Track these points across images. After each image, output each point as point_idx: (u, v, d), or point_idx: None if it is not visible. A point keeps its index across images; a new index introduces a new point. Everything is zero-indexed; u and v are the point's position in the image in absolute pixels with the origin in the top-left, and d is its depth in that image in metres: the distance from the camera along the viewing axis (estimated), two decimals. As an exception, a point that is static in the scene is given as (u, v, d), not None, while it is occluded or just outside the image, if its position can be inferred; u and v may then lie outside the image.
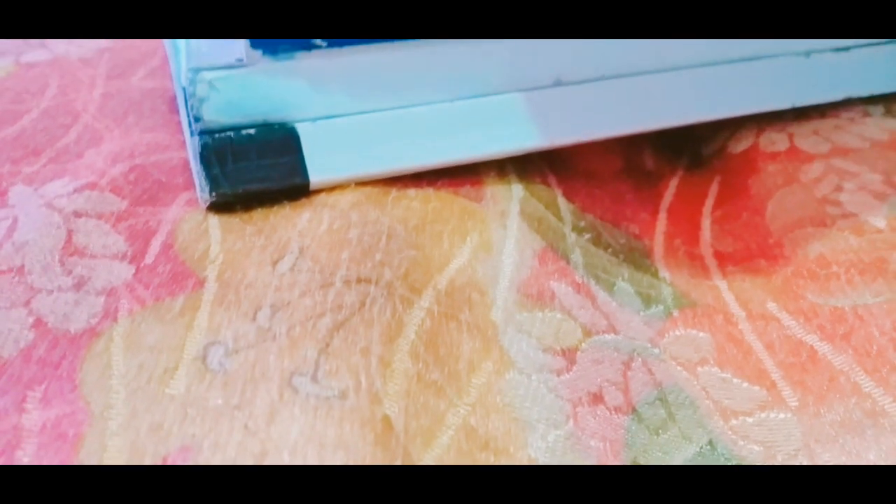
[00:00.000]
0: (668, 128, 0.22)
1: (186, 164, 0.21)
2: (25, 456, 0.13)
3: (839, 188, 0.21)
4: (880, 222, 0.20)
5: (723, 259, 0.20)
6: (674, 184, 0.23)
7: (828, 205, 0.21)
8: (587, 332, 0.17)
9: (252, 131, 0.19)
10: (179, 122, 0.23)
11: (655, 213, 0.22)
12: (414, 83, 0.20)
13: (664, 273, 0.20)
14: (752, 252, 0.20)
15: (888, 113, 0.24)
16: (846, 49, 0.24)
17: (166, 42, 0.28)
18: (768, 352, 0.18)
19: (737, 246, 0.21)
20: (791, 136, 0.23)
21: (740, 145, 0.24)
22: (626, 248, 0.20)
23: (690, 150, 0.24)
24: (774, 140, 0.23)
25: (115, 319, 0.16)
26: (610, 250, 0.20)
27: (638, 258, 0.20)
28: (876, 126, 0.24)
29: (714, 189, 0.23)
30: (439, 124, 0.20)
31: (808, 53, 0.23)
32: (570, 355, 0.16)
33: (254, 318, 0.16)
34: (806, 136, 0.23)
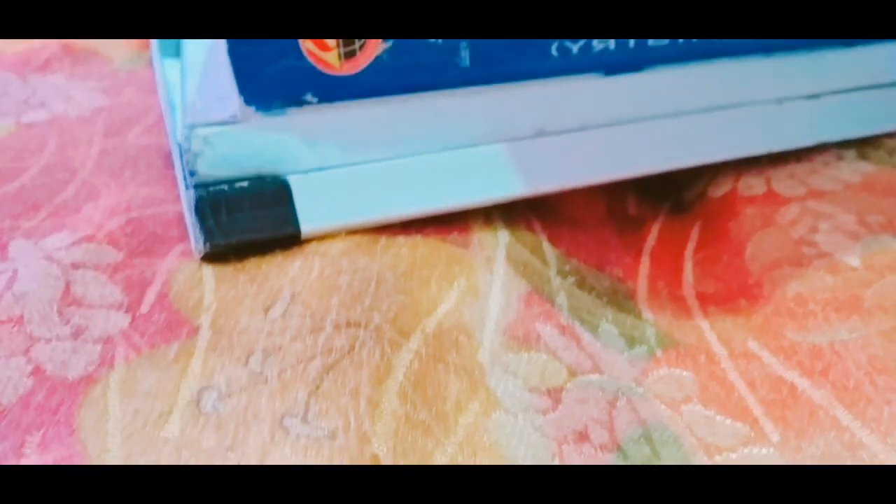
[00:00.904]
0: (648, 174, 0.23)
1: (181, 216, 0.22)
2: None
3: (815, 229, 0.22)
4: (854, 261, 0.21)
5: (705, 300, 0.21)
6: (656, 228, 0.24)
7: (804, 245, 0.21)
8: (572, 373, 0.18)
9: (245, 184, 0.20)
10: (174, 177, 0.24)
11: (639, 256, 0.23)
12: (401, 136, 0.21)
13: (647, 314, 0.20)
14: (732, 292, 0.21)
15: (860, 156, 0.25)
16: (817, 96, 0.25)
17: (162, 100, 0.29)
18: (750, 389, 0.18)
19: (718, 287, 0.21)
20: (768, 181, 0.24)
21: (720, 190, 0.24)
22: (609, 290, 0.21)
23: (672, 195, 0.25)
24: (752, 184, 0.24)
25: (111, 366, 0.16)
26: (594, 293, 0.20)
27: (622, 300, 0.21)
28: (849, 169, 0.24)
29: (695, 233, 0.24)
30: (427, 174, 0.21)
31: (780, 101, 0.24)
32: (555, 395, 0.17)
33: (246, 363, 0.16)
34: (782, 180, 0.24)
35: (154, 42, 0.32)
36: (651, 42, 0.22)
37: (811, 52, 0.24)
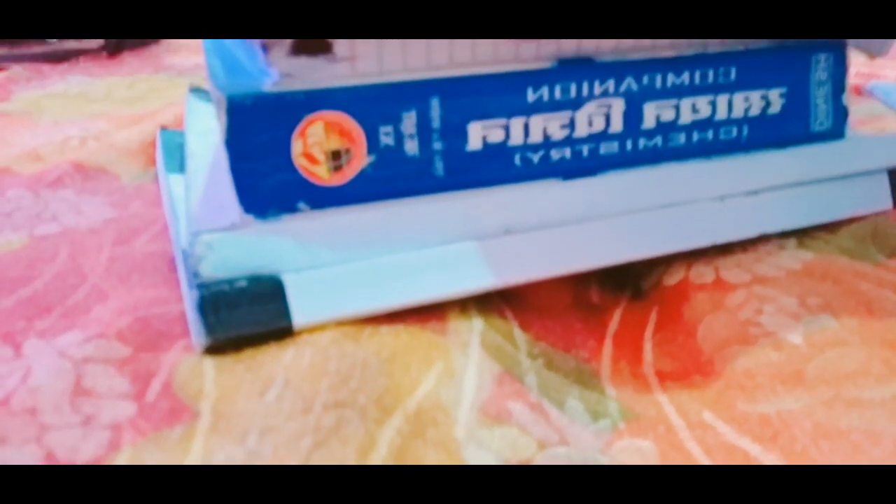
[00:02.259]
0: (606, 266, 0.25)
1: (183, 315, 0.24)
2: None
3: (760, 311, 0.24)
4: (797, 339, 0.23)
5: (663, 376, 0.23)
6: (618, 314, 0.26)
7: (751, 326, 0.23)
8: (541, 445, 0.19)
9: (244, 283, 0.22)
10: (177, 280, 0.26)
11: (602, 339, 0.25)
12: (384, 236, 0.23)
13: (611, 391, 0.22)
14: (688, 369, 0.23)
15: (800, 245, 0.28)
16: (755, 193, 0.28)
17: (167, 210, 0.31)
18: (707, 456, 0.20)
19: (675, 365, 0.23)
20: (717, 269, 0.27)
21: (673, 279, 0.27)
22: (575, 370, 0.23)
23: (631, 284, 0.28)
24: (703, 273, 0.27)
25: (118, 449, 0.18)
26: (561, 373, 0.22)
27: (587, 379, 0.23)
28: (790, 257, 0.27)
29: (653, 317, 0.26)
30: (407, 270, 0.23)
31: (722, 198, 0.27)
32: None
33: (243, 442, 0.18)
34: (730, 269, 0.27)
35: (159, 159, 0.36)
36: (603, 150, 0.25)
37: (748, 153, 0.28)
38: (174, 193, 0.30)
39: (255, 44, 0.22)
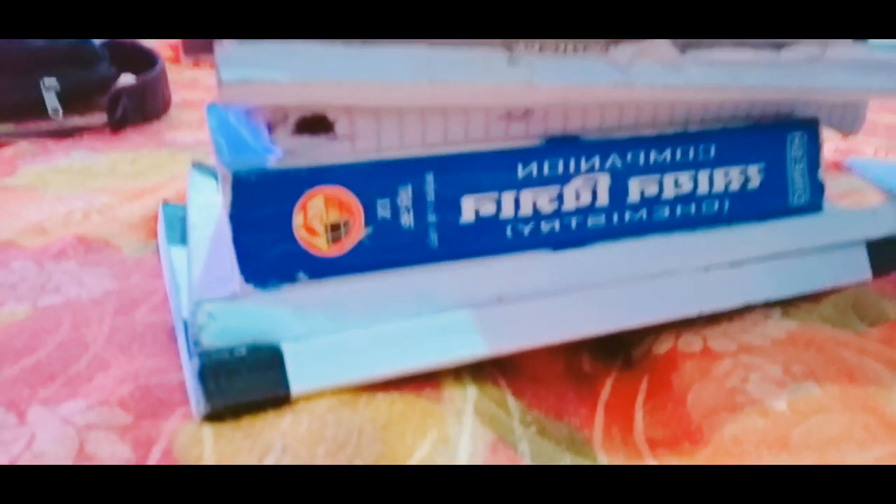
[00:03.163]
0: (596, 335, 0.26)
1: (183, 383, 0.24)
2: None
3: (746, 379, 0.25)
4: (782, 406, 0.23)
5: (654, 444, 0.23)
6: (609, 383, 0.27)
7: (737, 394, 0.24)
8: (535, 511, 0.20)
9: (243, 351, 0.23)
10: (177, 349, 0.27)
11: (594, 407, 0.25)
12: (380, 305, 0.24)
13: (602, 458, 0.23)
14: (678, 437, 0.23)
15: (784, 315, 0.29)
16: (739, 264, 0.29)
17: (167, 282, 0.32)
18: (698, 523, 0.20)
19: (665, 432, 0.24)
20: (704, 339, 0.27)
21: (663, 348, 0.27)
22: (568, 437, 0.23)
23: (622, 353, 0.28)
24: (691, 342, 0.27)
25: (119, 515, 0.18)
26: (554, 440, 0.23)
27: (579, 446, 0.23)
28: (775, 326, 0.28)
29: (644, 386, 0.26)
30: (402, 339, 0.24)
31: (706, 269, 0.28)
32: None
33: (242, 508, 0.18)
34: (717, 338, 0.27)
35: (161, 231, 0.37)
36: (591, 222, 0.27)
37: (730, 226, 0.29)
38: (175, 265, 0.31)
39: (260, 122, 0.23)
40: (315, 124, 0.23)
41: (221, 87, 0.19)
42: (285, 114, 0.22)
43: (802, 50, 0.25)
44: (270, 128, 0.22)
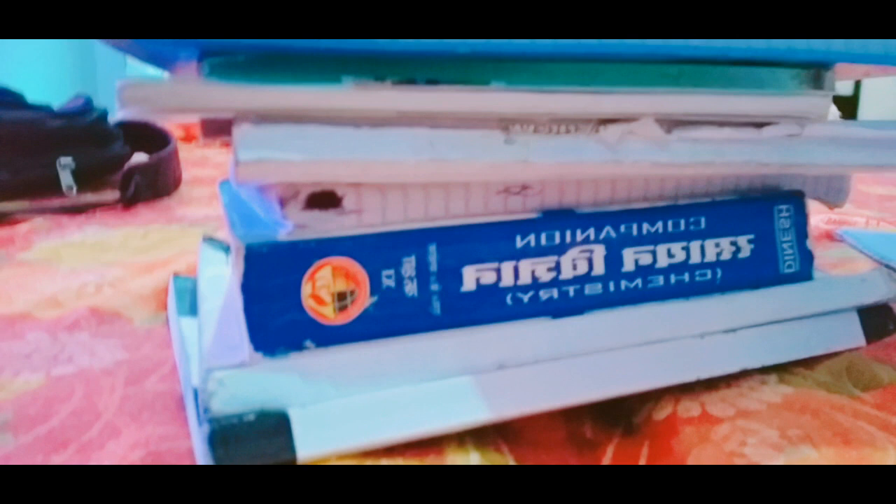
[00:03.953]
0: (595, 401, 0.27)
1: (191, 450, 0.25)
2: None
3: (744, 443, 0.25)
4: (780, 469, 0.24)
5: (654, 509, 0.24)
6: (611, 449, 0.27)
7: (735, 457, 0.25)
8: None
9: (252, 417, 0.23)
10: (186, 417, 0.27)
11: (595, 473, 0.26)
12: (385, 372, 0.25)
13: (603, 522, 0.23)
14: (678, 501, 0.24)
15: (780, 380, 0.29)
16: (733, 330, 0.29)
17: (177, 352, 0.33)
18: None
19: (665, 497, 0.24)
20: (703, 404, 0.28)
21: (662, 413, 0.28)
22: (569, 502, 0.24)
23: (623, 420, 0.29)
24: (689, 407, 0.28)
25: (129, 579, 0.19)
26: (555, 505, 0.23)
27: (580, 511, 0.23)
28: (771, 391, 0.28)
29: (645, 451, 0.27)
30: (406, 405, 0.25)
31: (702, 336, 0.29)
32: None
33: (249, 571, 0.19)
34: (715, 403, 0.28)
35: (171, 303, 0.38)
36: (588, 291, 0.28)
37: (723, 294, 0.30)
38: (185, 334, 0.32)
39: (273, 198, 0.24)
40: (324, 199, 0.24)
41: (239, 165, 0.21)
42: (297, 190, 0.24)
43: (782, 128, 0.27)
44: (282, 203, 0.24)
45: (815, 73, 0.28)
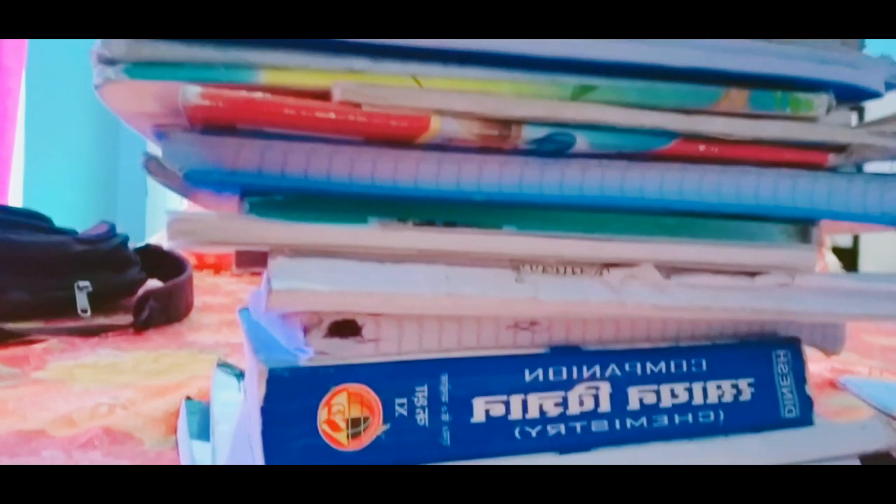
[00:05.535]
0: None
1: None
2: None
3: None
4: None
5: None
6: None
7: None
8: None
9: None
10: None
11: None
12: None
13: None
14: None
15: None
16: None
17: None
18: None
19: None
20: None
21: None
22: None
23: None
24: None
25: None
26: None
27: None
28: None
29: None
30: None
31: (706, 477, 0.29)
32: None
33: None
34: None
35: (182, 426, 0.38)
36: (594, 427, 0.28)
37: (726, 436, 0.30)
38: (196, 457, 0.32)
39: (296, 325, 0.26)
40: (345, 328, 0.26)
41: (272, 294, 0.23)
42: (320, 318, 0.25)
43: (773, 277, 0.29)
44: (306, 330, 0.25)
45: (802, 228, 0.30)
